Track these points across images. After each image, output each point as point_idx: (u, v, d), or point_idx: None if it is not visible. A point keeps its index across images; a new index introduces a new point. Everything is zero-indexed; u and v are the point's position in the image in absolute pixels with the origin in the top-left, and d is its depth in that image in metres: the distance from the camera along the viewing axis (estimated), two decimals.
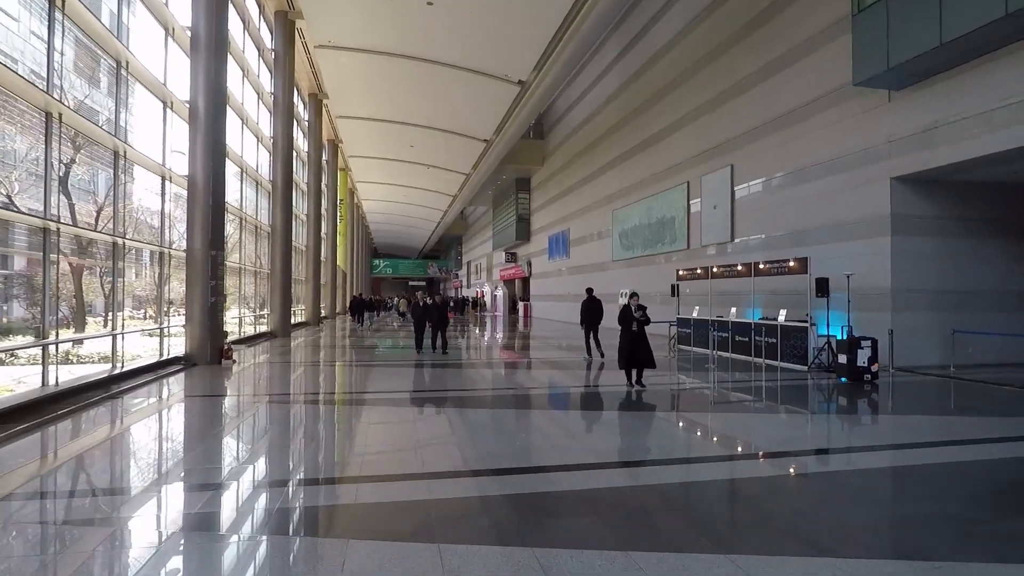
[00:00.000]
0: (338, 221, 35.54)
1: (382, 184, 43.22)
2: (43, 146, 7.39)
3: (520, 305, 40.32)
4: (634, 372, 8.96)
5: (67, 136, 9.72)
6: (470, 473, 4.50)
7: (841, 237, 12.29)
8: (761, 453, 5.35)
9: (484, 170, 33.76)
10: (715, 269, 14.51)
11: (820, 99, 12.91)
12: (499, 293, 45.93)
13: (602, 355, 12.72)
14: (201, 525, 3.49)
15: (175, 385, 9.23)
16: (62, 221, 7.78)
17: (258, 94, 19.11)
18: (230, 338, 13.65)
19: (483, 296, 51.11)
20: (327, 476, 4.58)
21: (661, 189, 20.86)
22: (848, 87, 11.74)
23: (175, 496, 4.13)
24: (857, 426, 7.21)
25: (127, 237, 10.03)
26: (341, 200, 36.26)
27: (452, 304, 34.04)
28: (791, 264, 11.82)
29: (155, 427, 6.47)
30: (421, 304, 14.28)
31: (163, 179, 11.74)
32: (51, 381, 7.37)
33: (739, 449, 5.63)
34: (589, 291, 13.83)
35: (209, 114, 11.58)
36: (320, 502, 4.00)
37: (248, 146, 17.80)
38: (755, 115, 15.61)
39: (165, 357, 11.28)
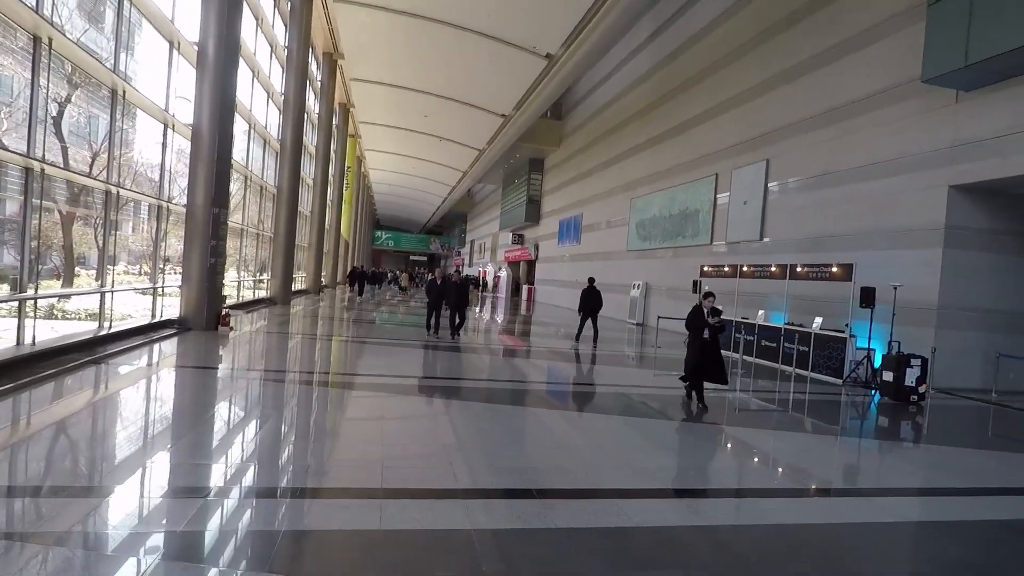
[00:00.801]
0: (344, 189, 34.58)
1: (391, 154, 42.12)
2: (29, 75, 6.51)
3: (524, 288, 39.56)
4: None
5: (62, 72, 8.83)
6: (505, 493, 3.77)
7: (887, 245, 11.49)
8: (834, 489, 4.64)
9: (499, 147, 32.74)
10: (745, 268, 13.72)
11: (878, 95, 12.01)
12: (503, 274, 45.13)
13: (595, 343, 13.78)
14: (179, 551, 2.76)
15: (166, 352, 8.48)
16: (47, 161, 6.91)
17: (271, 47, 18.07)
18: (228, 302, 12.88)
19: (485, 276, 50.32)
20: (333, 485, 3.83)
21: (687, 180, 19.98)
22: (912, 84, 10.85)
23: (143, 507, 3.38)
24: (937, 462, 6.39)
25: (121, 186, 9.16)
26: (348, 167, 35.25)
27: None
28: (833, 270, 11.04)
29: (136, 405, 5.69)
30: (438, 281, 13.24)
31: (165, 127, 10.85)
32: (28, 340, 6.60)
33: (812, 483, 4.91)
34: (591, 280, 14.70)
35: (219, 60, 10.66)
36: (316, 525, 3.22)
37: (258, 101, 16.84)
38: (799, 108, 14.70)
39: (158, 319, 10.51)
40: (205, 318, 10.63)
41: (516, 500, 3.66)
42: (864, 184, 12.30)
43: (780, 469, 5.11)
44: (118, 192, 9.06)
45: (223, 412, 5.35)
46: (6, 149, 6.35)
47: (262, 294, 19.23)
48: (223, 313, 10.94)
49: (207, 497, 3.40)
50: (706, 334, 7.36)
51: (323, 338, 11.66)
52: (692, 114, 19.90)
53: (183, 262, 10.71)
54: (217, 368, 7.54)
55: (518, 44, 19.93)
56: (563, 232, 33.50)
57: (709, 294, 7.72)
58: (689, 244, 19.63)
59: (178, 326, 10.48)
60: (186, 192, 10.73)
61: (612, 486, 4.06)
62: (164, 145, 10.95)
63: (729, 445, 5.74)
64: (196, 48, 10.72)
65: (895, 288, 9.88)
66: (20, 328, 6.49)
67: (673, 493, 4.09)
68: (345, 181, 34.35)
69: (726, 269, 14.42)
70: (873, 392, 9.69)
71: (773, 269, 12.70)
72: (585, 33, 18.06)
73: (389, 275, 45.58)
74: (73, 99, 9.81)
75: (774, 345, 12.47)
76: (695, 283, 16.04)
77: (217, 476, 3.78)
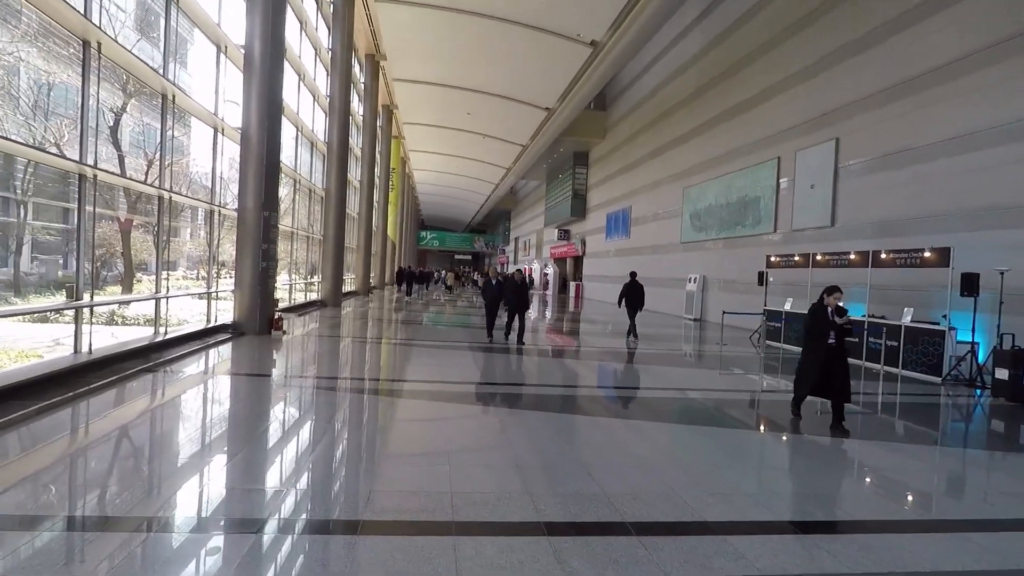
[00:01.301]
0: (389, 190, 34.68)
1: (434, 154, 42.11)
2: (80, 81, 6.36)
3: (572, 285, 38.85)
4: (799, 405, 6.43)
5: (115, 80, 8.77)
6: (597, 528, 3.22)
7: (986, 225, 10.36)
8: (990, 521, 3.89)
9: (542, 142, 32.14)
10: (818, 257, 12.73)
11: (968, 58, 10.87)
12: (549, 271, 44.52)
13: (636, 337, 13.48)
14: None
15: (220, 358, 8.29)
16: (100, 168, 6.77)
17: (315, 50, 18.02)
18: (280, 306, 12.79)
19: (531, 273, 49.81)
20: (397, 517, 3.36)
21: (745, 165, 18.93)
22: (1016, 40, 9.72)
23: (187, 542, 3.00)
24: None
25: (173, 191, 9.05)
26: (393, 169, 35.33)
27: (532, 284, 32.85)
28: (926, 255, 10.00)
29: (186, 419, 5.31)
30: (494, 281, 12.25)
31: (215, 131, 10.77)
32: (85, 348, 6.48)
33: (959, 512, 4.16)
34: (632, 275, 14.43)
35: (265, 62, 10.47)
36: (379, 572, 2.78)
37: (304, 105, 16.79)
38: (871, 81, 13.56)
39: (212, 324, 10.43)
40: (258, 322, 10.49)
41: (611, 538, 3.10)
42: (954, 159, 11.18)
43: (909, 494, 4.33)
44: (170, 198, 8.96)
45: (276, 428, 4.97)
46: (56, 155, 6.21)
47: (313, 296, 19.26)
48: (275, 317, 10.79)
49: (257, 532, 3.00)
50: (832, 339, 6.06)
51: (376, 341, 11.32)
52: (748, 95, 18.83)
53: (236, 267, 10.61)
54: (270, 375, 7.26)
55: (562, 33, 19.28)
56: (611, 226, 32.65)
57: (834, 289, 6.36)
58: (749, 234, 18.59)
59: (232, 331, 10.37)
60: (237, 195, 10.61)
61: (717, 518, 3.45)
62: (215, 149, 10.87)
63: (837, 461, 5.02)
64: (243, 51, 10.57)
65: (1002, 273, 8.82)
66: (77, 336, 6.38)
67: (791, 527, 3.44)
68: (390, 183, 34.44)
69: (796, 259, 13.44)
70: (978, 392, 8.69)
71: (852, 257, 11.70)
72: (631, 17, 17.28)
73: (435, 275, 45.64)
74: (128, 108, 9.81)
75: (855, 340, 11.46)
76: (761, 275, 15.09)
77: (270, 505, 3.38)
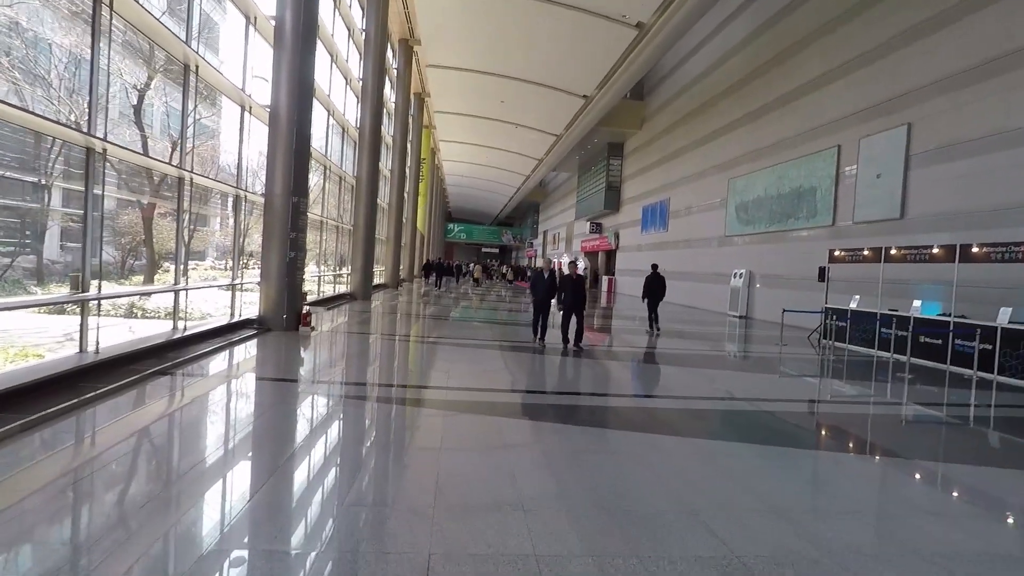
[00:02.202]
0: (419, 181, 34.03)
1: (465, 144, 41.33)
2: (88, 41, 5.66)
3: (604, 279, 37.77)
4: None
5: (138, 55, 8.13)
6: None
7: None
8: None
9: (577, 132, 31.09)
10: (892, 251, 11.55)
11: None
12: (581, 265, 43.47)
13: (658, 329, 13.68)
14: None
15: (242, 358, 7.59)
16: (110, 141, 6.09)
17: (348, 30, 17.32)
18: (308, 299, 12.16)
19: (560, 267, 48.84)
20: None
21: (799, 155, 17.68)
22: None
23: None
24: None
25: (195, 172, 8.38)
26: (423, 159, 34.67)
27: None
28: None
29: (202, 437, 4.46)
30: (546, 274, 10.17)
31: (242, 109, 10.10)
32: (91, 346, 5.81)
33: None
34: (654, 267, 14.98)
35: (297, 37, 9.75)
36: None
37: (336, 87, 16.11)
38: (949, 61, 12.30)
39: (237, 319, 9.79)
40: (285, 318, 9.82)
41: None
42: None
43: None
44: (191, 179, 8.29)
45: (304, 458, 4.11)
46: (64, 124, 5.52)
47: (341, 289, 18.66)
48: (304, 312, 10.11)
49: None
50: None
51: (412, 340, 10.51)
52: (802, 81, 17.56)
53: (262, 257, 9.95)
54: (297, 381, 6.49)
55: (606, 14, 18.23)
56: (647, 219, 31.46)
57: None
58: (804, 227, 17.36)
59: (257, 326, 9.72)
60: (264, 180, 9.92)
61: None
62: (241, 129, 10.21)
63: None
64: (273, 23, 9.86)
65: None
66: (83, 333, 5.71)
67: None
68: (420, 173, 33.78)
69: (866, 253, 12.25)
70: None
71: (936, 251, 10.51)
72: None
73: (463, 267, 44.96)
74: (152, 86, 9.18)
75: (938, 342, 10.33)
76: (822, 270, 13.92)
77: (294, 568, 2.59)
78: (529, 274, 41.97)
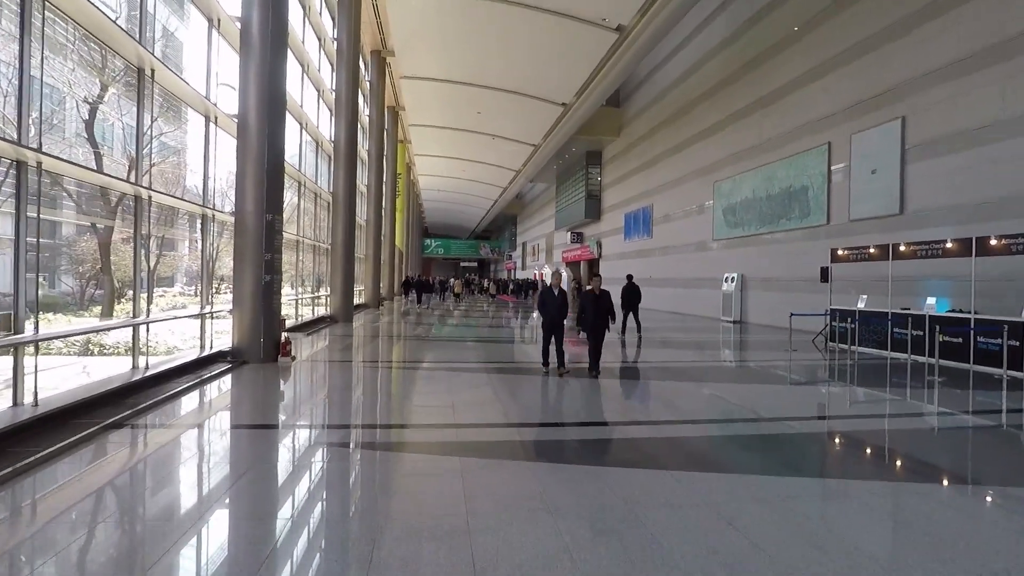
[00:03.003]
0: (396, 195, 33.15)
1: (441, 158, 40.62)
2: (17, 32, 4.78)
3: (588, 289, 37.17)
4: None
5: (91, 64, 7.24)
6: None
7: None
8: None
9: (555, 141, 30.61)
10: (900, 248, 11.10)
11: None
12: (564, 276, 42.89)
13: (639, 336, 14.14)
14: None
15: (214, 400, 6.67)
16: (47, 152, 5.18)
17: (319, 40, 16.53)
18: (286, 324, 11.23)
19: (543, 279, 48.14)
20: None
21: (787, 154, 17.34)
22: None
23: None
24: None
25: (153, 189, 7.47)
26: (399, 174, 33.83)
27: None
28: None
29: (164, 513, 3.41)
30: (556, 290, 8.39)
31: (207, 119, 9.21)
32: (28, 398, 4.87)
33: None
34: (629, 277, 15.67)
35: (266, 40, 8.93)
36: None
37: (308, 99, 15.28)
38: (944, 51, 12.01)
39: (208, 351, 8.84)
40: (262, 347, 8.90)
41: None
42: None
43: None
44: (150, 197, 7.38)
45: (295, 537, 3.26)
46: None
47: (320, 311, 17.69)
48: (283, 340, 9.19)
49: None
50: None
51: (404, 367, 9.62)
52: (785, 80, 17.29)
53: (234, 281, 9.02)
54: (280, 427, 5.56)
55: (585, 18, 17.76)
56: (630, 226, 31.06)
57: None
58: (797, 227, 16.96)
59: (231, 359, 8.78)
60: (234, 198, 9.02)
61: None
62: (207, 141, 9.31)
63: None
64: (239, 25, 9.03)
65: None
66: (16, 382, 4.75)
67: None
68: (397, 188, 32.92)
69: (872, 251, 11.79)
70: None
71: (950, 245, 10.06)
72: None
73: (446, 283, 43.96)
74: (106, 98, 8.27)
75: (958, 341, 9.83)
76: (824, 270, 13.45)
77: None
78: (529, 288, 41.37)
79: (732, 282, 20.05)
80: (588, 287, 8.53)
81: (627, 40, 18.19)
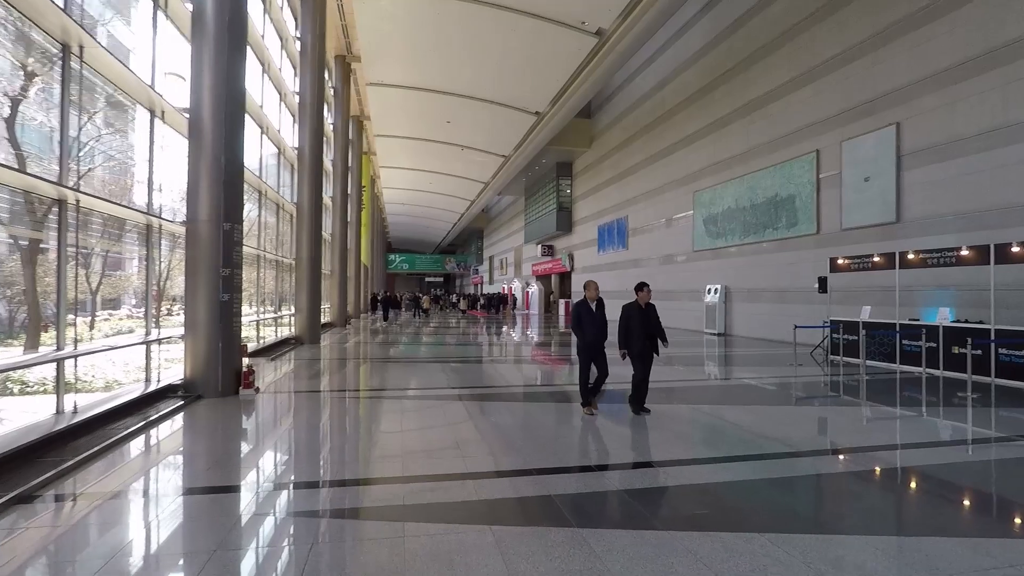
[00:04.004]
0: (361, 208, 31.75)
1: (407, 170, 39.40)
2: None
3: (561, 303, 36.44)
4: None
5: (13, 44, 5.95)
6: None
7: None
8: None
9: (527, 152, 29.86)
10: (909, 256, 10.57)
11: None
12: (533, 290, 42.06)
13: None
14: None
15: (161, 452, 5.42)
16: None
17: (281, 40, 15.32)
18: (247, 349, 9.94)
19: (511, 292, 47.21)
20: None
21: (772, 163, 16.93)
22: None
23: None
24: None
25: (80, 191, 6.18)
26: (364, 187, 32.48)
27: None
28: None
29: None
30: (594, 305, 6.78)
31: (152, 114, 7.95)
32: None
33: None
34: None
35: (222, 24, 7.78)
36: None
37: (269, 102, 14.03)
38: (940, 56, 11.71)
39: (156, 385, 7.51)
40: (220, 379, 7.62)
41: None
42: None
43: None
44: (77, 201, 6.10)
45: None
46: None
47: (284, 332, 16.27)
48: (245, 369, 7.93)
49: None
50: None
51: (391, 397, 8.14)
52: (769, 88, 16.93)
53: (186, 302, 7.73)
54: (243, 489, 4.35)
55: (564, 21, 17.06)
56: (604, 238, 30.48)
57: None
58: (784, 236, 16.49)
59: (183, 393, 7.48)
60: (185, 204, 7.74)
61: None
62: (152, 140, 8.03)
63: None
64: (190, 6, 7.84)
65: None
66: None
67: None
68: (362, 201, 31.54)
69: (876, 259, 11.25)
70: None
71: (964, 252, 9.53)
72: (647, 1, 15.13)
73: (418, 298, 42.45)
74: (31, 93, 6.95)
75: (978, 353, 9.27)
76: (821, 280, 12.89)
77: None
78: (500, 302, 40.16)
79: (715, 294, 19.50)
80: (634, 299, 6.78)
81: (607, 45, 17.56)
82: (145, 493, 4.23)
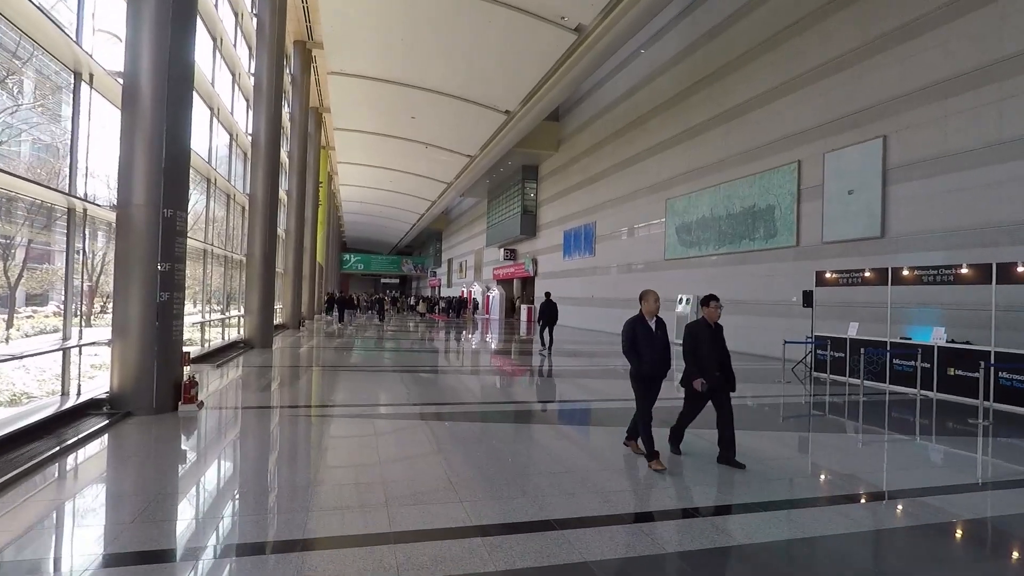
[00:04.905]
0: (318, 205, 30.17)
1: (367, 167, 37.92)
2: None
3: (524, 308, 35.68)
4: None
5: None
6: None
7: None
8: None
9: (494, 152, 29.06)
10: (905, 272, 10.22)
11: None
12: (494, 294, 41.18)
13: (550, 347, 15.54)
14: None
15: (71, 499, 4.27)
16: None
17: (237, 15, 13.98)
18: (191, 355, 8.72)
19: (471, 296, 46.19)
20: None
21: (751, 172, 16.61)
22: None
23: None
24: None
25: None
26: (321, 183, 30.90)
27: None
28: None
29: None
30: (652, 322, 5.38)
31: (77, 77, 6.69)
32: None
33: None
34: (547, 295, 17.03)
35: None
36: None
37: (222, 81, 12.71)
38: (933, 69, 11.51)
39: (75, 401, 6.26)
40: (155, 392, 6.43)
41: None
42: None
43: None
44: None
45: None
46: None
47: (233, 335, 14.86)
48: (186, 380, 6.76)
49: None
50: None
51: (363, 416, 6.88)
52: (750, 95, 16.62)
53: (115, 300, 6.51)
54: (178, 559, 3.27)
55: (542, 15, 16.31)
56: (570, 244, 29.92)
57: None
58: (762, 248, 16.16)
59: (108, 410, 6.26)
60: (116, 186, 6.51)
61: None
62: (76, 108, 6.76)
63: None
64: None
65: None
66: None
67: None
68: (319, 198, 29.95)
69: (867, 274, 10.89)
70: None
71: (964, 270, 9.20)
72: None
73: (377, 300, 40.84)
74: None
75: (973, 375, 8.94)
76: (806, 294, 12.50)
77: None
78: (461, 306, 38.93)
79: (686, 304, 19.08)
80: (702, 315, 5.54)
81: (586, 42, 16.93)
82: (41, 562, 3.12)
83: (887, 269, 10.56)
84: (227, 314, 14.85)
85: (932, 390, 9.58)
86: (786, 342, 11.65)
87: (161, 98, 6.61)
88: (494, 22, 17.03)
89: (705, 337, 5.42)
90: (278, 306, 19.97)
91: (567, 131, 30.92)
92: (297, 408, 7.45)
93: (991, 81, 10.51)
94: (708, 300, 5.63)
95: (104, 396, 6.46)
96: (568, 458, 5.38)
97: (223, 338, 13.77)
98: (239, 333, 14.93)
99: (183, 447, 5.51)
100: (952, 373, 9.37)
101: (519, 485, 4.49)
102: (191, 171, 9.53)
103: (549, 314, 15.74)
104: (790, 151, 15.20)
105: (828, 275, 11.80)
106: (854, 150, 13.26)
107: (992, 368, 8.64)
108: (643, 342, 5.26)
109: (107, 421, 5.91)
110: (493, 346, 18.39)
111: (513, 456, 5.43)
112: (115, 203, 6.46)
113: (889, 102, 12.44)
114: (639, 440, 5.44)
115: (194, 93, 7.44)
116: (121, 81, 6.57)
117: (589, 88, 27.57)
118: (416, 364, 12.53)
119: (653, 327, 5.35)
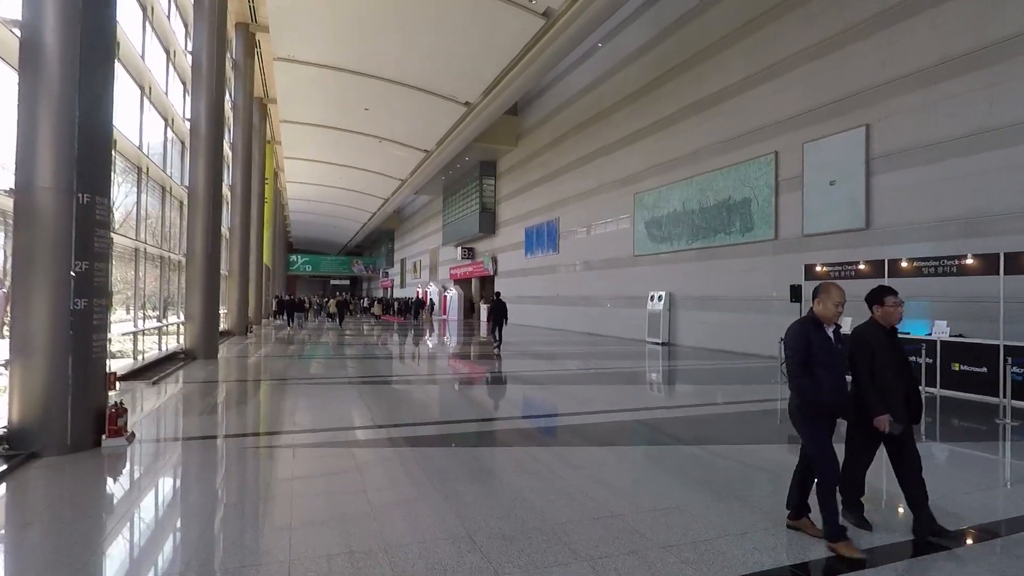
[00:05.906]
0: (263, 203, 28.24)
1: (315, 162, 35.96)
2: None
3: (484, 308, 34.62)
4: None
5: None
6: None
7: None
8: None
9: (452, 147, 27.88)
10: (903, 264, 9.79)
11: None
12: (451, 294, 39.95)
13: (500, 343, 16.21)
14: None
15: None
16: None
17: None
18: (119, 372, 7.37)
19: (427, 297, 44.77)
20: None
21: (725, 164, 16.16)
22: None
23: None
24: None
25: None
26: (266, 180, 28.97)
27: None
28: None
29: None
30: (831, 332, 3.54)
31: None
32: None
33: None
34: (497, 294, 17.79)
35: None
36: None
37: (154, 57, 11.16)
38: (919, 55, 11.21)
39: None
40: (71, 425, 5.11)
41: None
42: None
43: None
44: None
45: None
46: None
47: (171, 344, 13.26)
48: (112, 408, 5.45)
49: None
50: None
51: (336, 442, 5.70)
52: (725, 84, 16.17)
53: (12, 312, 5.14)
54: None
55: None
56: (532, 241, 29.11)
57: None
58: (738, 242, 15.72)
59: (6, 450, 4.91)
60: (14, 167, 5.14)
61: None
62: None
63: None
64: None
65: None
66: None
67: None
68: (264, 195, 28.02)
69: (861, 267, 10.45)
70: None
71: (969, 262, 8.79)
72: None
73: (314, 303, 38.83)
74: None
75: (983, 371, 8.54)
76: (794, 288, 12.03)
77: None
78: (417, 306, 37.48)
79: (659, 300, 18.55)
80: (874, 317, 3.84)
81: (555, 28, 16.06)
82: None
83: (883, 261, 10.12)
84: (164, 321, 13.24)
85: (936, 386, 9.16)
86: (782, 340, 11.07)
87: (72, 58, 5.29)
88: (459, 6, 15.95)
89: (883, 348, 3.67)
90: (223, 311, 18.26)
91: (526, 125, 30.10)
92: (256, 437, 6.18)
93: (981, 67, 10.22)
94: (881, 294, 3.78)
95: (2, 432, 5.09)
96: (598, 493, 4.42)
97: (160, 349, 12.19)
98: (179, 343, 13.33)
99: (107, 497, 4.27)
100: (957, 368, 8.97)
101: (564, 542, 3.50)
102: (118, 158, 8.14)
103: (499, 313, 16.34)
104: (767, 141, 14.78)
105: (819, 268, 11.33)
106: (835, 139, 12.90)
107: (1008, 363, 8.23)
108: (820, 357, 3.45)
109: (3, 467, 4.58)
110: (474, 349, 17.30)
111: (535, 493, 4.43)
112: (11, 187, 5.10)
113: (872, 89, 12.10)
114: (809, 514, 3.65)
115: (118, 64, 6.13)
116: (18, 32, 5.21)
117: (550, 81, 26.82)
118: (381, 373, 11.34)
119: (832, 336, 3.55)
